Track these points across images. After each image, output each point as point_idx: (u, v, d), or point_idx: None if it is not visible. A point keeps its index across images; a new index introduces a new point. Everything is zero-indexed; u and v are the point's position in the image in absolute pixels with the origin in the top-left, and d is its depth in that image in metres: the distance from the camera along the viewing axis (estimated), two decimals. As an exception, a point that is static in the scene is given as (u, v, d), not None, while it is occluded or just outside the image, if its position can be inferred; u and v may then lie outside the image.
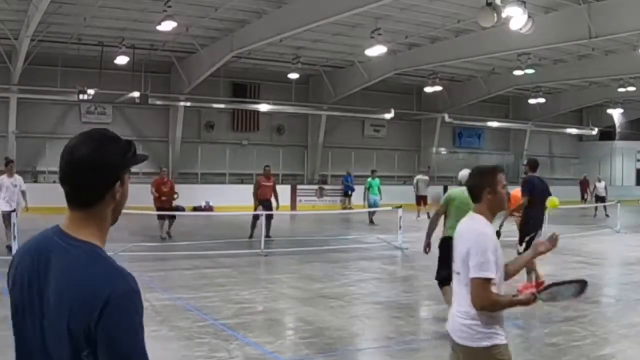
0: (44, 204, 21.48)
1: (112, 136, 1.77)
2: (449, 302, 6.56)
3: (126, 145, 1.77)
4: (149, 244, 13.90)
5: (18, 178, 12.77)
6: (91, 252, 1.68)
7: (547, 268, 12.09)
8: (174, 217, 15.53)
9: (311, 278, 10.44)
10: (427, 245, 7.63)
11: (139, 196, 18.21)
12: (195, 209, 21.95)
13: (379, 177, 22.16)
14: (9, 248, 11.52)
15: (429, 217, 21.23)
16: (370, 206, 21.08)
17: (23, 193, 12.84)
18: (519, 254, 8.95)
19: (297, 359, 6.22)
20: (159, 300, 8.47)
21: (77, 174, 1.69)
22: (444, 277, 6.92)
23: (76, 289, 1.61)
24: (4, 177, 12.64)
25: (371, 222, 20.78)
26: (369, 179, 21.80)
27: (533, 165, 9.40)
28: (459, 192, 7.21)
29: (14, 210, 12.31)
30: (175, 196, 15.94)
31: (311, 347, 6.47)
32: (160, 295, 8.80)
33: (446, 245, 6.85)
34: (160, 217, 15.51)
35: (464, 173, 7.41)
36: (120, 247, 12.22)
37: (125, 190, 1.77)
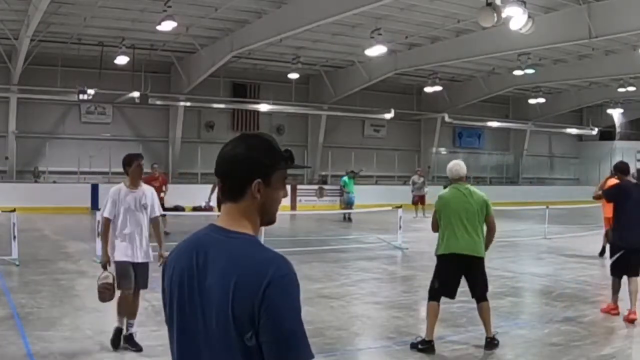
0: (44, 204, 21.72)
1: (261, 138, 1.90)
2: (432, 319, 6.31)
3: (273, 148, 1.87)
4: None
5: (148, 191, 6.53)
6: (249, 240, 1.82)
7: (546, 269, 12.11)
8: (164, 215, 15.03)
9: (311, 278, 10.44)
10: None
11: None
12: (195, 209, 21.92)
13: (382, 176, 22.44)
14: (125, 338, 6.34)
15: (423, 215, 21.53)
16: (346, 204, 21.95)
17: (154, 223, 6.52)
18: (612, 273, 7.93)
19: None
20: (159, 300, 8.37)
21: (223, 166, 1.87)
22: (437, 290, 6.37)
23: (239, 273, 1.72)
24: (121, 187, 6.44)
25: (347, 219, 21.33)
26: (344, 178, 22.70)
27: (623, 169, 8.18)
28: (449, 194, 6.42)
29: (142, 263, 6.35)
30: (162, 194, 14.82)
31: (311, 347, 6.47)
32: (160, 295, 8.76)
33: (446, 263, 6.33)
34: None
35: (458, 167, 6.44)
36: (120, 247, 12.22)
37: (272, 193, 1.86)
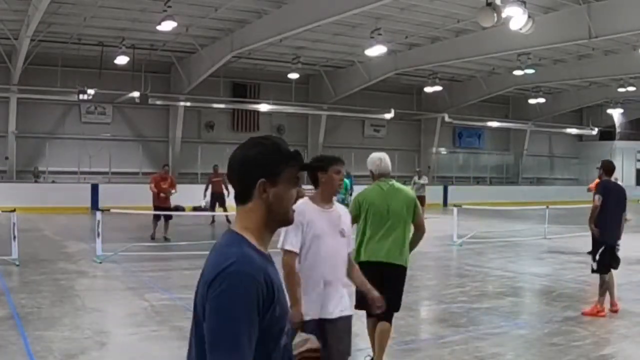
0: (44, 204, 21.72)
1: (269, 139, 1.92)
2: (373, 336, 5.63)
3: (279, 148, 1.87)
4: (149, 244, 13.89)
5: (343, 211, 4.29)
6: (233, 239, 1.82)
7: (546, 269, 12.11)
8: (169, 217, 14.98)
9: (311, 278, 10.40)
10: None
11: (137, 196, 18.36)
12: (195, 209, 21.93)
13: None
14: None
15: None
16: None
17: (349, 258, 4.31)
18: (593, 271, 8.16)
19: (297, 359, 6.20)
20: (159, 300, 8.46)
21: (231, 169, 1.89)
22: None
23: (205, 269, 1.78)
24: (306, 204, 3.99)
25: None
26: None
27: (608, 168, 8.24)
28: (371, 192, 5.48)
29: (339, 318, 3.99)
30: (172, 191, 15.19)
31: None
32: (160, 295, 8.79)
33: (368, 271, 4.62)
34: (155, 217, 14.96)
35: (388, 161, 5.56)
36: (121, 247, 12.23)
37: (280, 192, 1.85)
